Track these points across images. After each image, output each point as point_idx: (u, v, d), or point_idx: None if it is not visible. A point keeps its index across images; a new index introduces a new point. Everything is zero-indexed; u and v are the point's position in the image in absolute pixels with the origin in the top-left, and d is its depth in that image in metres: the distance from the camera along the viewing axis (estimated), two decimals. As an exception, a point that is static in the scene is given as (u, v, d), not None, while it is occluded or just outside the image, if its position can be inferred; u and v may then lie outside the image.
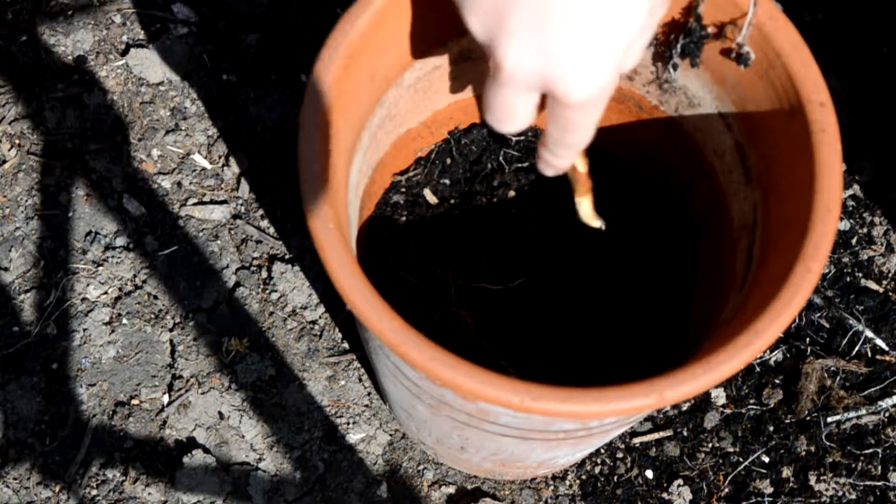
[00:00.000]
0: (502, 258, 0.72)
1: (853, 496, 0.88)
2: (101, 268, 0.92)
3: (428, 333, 0.67)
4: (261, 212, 0.94)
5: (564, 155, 0.53)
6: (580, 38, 0.43)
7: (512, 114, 0.49)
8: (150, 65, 0.97)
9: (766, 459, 0.89)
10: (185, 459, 0.86)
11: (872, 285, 0.94)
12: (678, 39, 0.59)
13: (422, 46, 0.61)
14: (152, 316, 0.91)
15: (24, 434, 0.87)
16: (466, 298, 0.71)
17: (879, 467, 0.89)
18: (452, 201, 0.75)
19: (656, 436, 0.89)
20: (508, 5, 0.44)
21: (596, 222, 0.65)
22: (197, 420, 0.88)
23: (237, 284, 0.92)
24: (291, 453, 0.87)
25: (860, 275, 0.94)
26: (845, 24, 1.02)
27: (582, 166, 0.60)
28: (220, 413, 0.88)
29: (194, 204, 0.94)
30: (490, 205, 0.74)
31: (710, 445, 0.89)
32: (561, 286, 0.72)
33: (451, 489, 0.88)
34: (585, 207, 0.65)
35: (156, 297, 0.91)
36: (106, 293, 0.91)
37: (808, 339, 0.92)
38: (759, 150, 0.60)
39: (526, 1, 0.43)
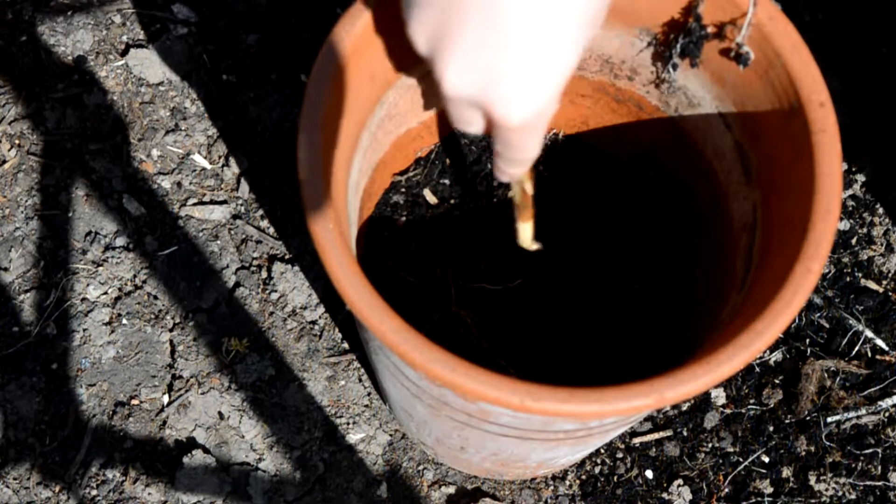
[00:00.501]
0: (502, 258, 0.72)
1: (853, 496, 0.88)
2: (101, 268, 0.92)
3: (428, 333, 0.67)
4: (261, 212, 0.94)
5: (514, 167, 0.55)
6: (521, 63, 0.44)
7: (467, 122, 0.51)
8: (150, 65, 0.97)
9: (766, 459, 0.89)
10: (185, 459, 0.86)
11: (872, 285, 0.94)
12: (678, 39, 0.59)
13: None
14: (152, 316, 0.91)
15: (24, 434, 0.87)
16: (466, 298, 0.71)
17: (879, 467, 0.89)
18: (452, 201, 0.75)
19: (656, 436, 0.89)
20: (453, 25, 0.44)
21: (534, 246, 0.66)
22: (197, 420, 0.88)
23: (237, 284, 0.92)
24: (291, 453, 0.87)
25: (860, 275, 0.94)
26: (845, 24, 1.02)
27: (530, 188, 0.61)
28: (220, 413, 0.88)
29: (194, 204, 0.94)
30: (490, 205, 0.74)
31: (710, 445, 0.89)
32: (561, 286, 0.72)
33: (451, 489, 0.88)
34: (525, 233, 0.65)
35: (156, 297, 0.91)
36: (106, 293, 0.91)
37: (808, 340, 0.92)
38: (759, 150, 0.60)
39: (471, 23, 0.43)
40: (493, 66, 0.44)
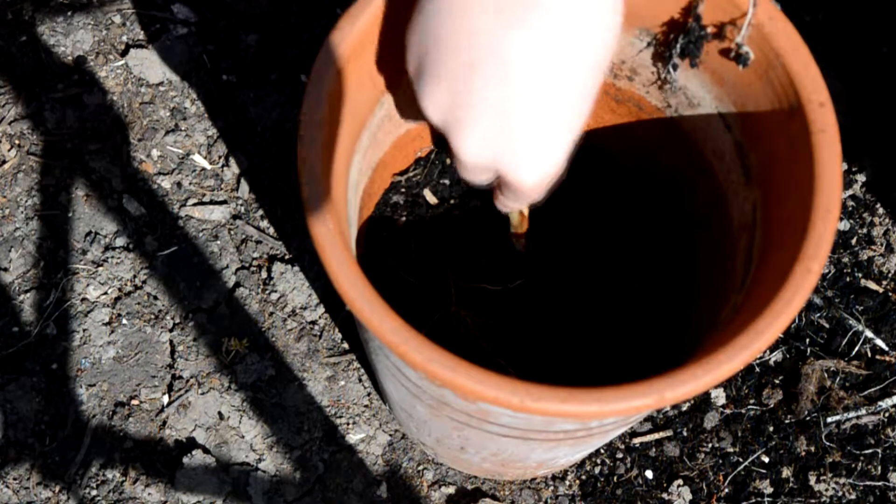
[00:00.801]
0: (502, 258, 0.72)
1: (853, 496, 0.88)
2: (100, 268, 0.92)
3: (428, 333, 0.67)
4: (261, 212, 0.94)
5: (518, 205, 0.60)
6: (534, 133, 0.47)
7: (479, 180, 0.54)
8: (150, 65, 0.97)
9: (766, 459, 0.89)
10: (185, 459, 0.86)
11: (872, 285, 0.94)
12: (678, 39, 0.59)
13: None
14: (152, 316, 0.91)
15: (24, 434, 0.87)
16: (466, 298, 0.71)
17: (879, 467, 0.89)
18: (452, 201, 0.75)
19: (656, 436, 0.89)
20: (465, 100, 0.46)
21: (522, 251, 0.72)
22: (197, 420, 0.88)
23: (237, 284, 0.92)
24: (291, 453, 0.87)
25: (860, 275, 0.94)
26: (845, 24, 1.02)
27: (526, 210, 0.67)
28: (219, 413, 0.88)
29: (194, 204, 0.94)
30: (490, 205, 0.74)
31: (710, 445, 0.89)
32: (561, 287, 0.72)
33: (451, 489, 0.88)
34: (519, 244, 0.71)
35: (156, 298, 0.91)
36: (106, 293, 0.91)
37: (807, 340, 0.92)
38: (758, 150, 0.60)
39: (483, 97, 0.46)
40: (507, 138, 0.47)
